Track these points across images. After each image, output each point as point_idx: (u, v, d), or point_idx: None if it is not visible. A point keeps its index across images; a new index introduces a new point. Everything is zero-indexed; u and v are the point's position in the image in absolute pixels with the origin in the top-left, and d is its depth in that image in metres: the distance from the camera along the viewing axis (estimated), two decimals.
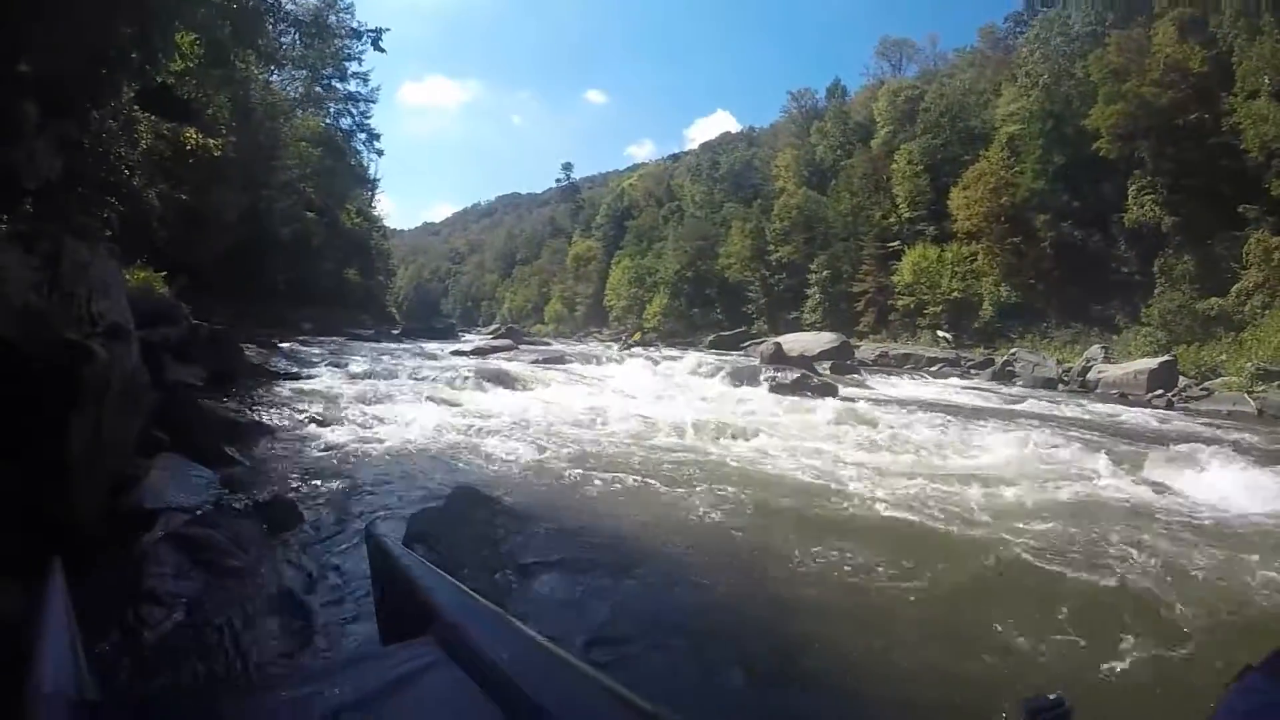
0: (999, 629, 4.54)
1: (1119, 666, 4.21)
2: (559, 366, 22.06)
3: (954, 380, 30.60)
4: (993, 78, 51.48)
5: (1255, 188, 31.12)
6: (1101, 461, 10.09)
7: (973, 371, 34.71)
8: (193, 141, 19.41)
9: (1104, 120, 36.90)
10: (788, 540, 6.14)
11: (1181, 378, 26.19)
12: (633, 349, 22.68)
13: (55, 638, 2.24)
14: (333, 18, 37.17)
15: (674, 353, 35.17)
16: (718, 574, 5.36)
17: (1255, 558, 5.95)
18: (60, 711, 1.91)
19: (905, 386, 25.32)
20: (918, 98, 56.88)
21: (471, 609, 2.60)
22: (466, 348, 28.77)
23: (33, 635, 2.19)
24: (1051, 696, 1.81)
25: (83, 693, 2.03)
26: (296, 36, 25.97)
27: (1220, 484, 8.80)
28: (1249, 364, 25.01)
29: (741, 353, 37.09)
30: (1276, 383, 23.13)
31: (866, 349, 42.10)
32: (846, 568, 5.51)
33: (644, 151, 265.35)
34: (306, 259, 34.19)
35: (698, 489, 7.65)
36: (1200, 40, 34.74)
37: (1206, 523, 7.31)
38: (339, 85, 44.04)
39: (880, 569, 5.56)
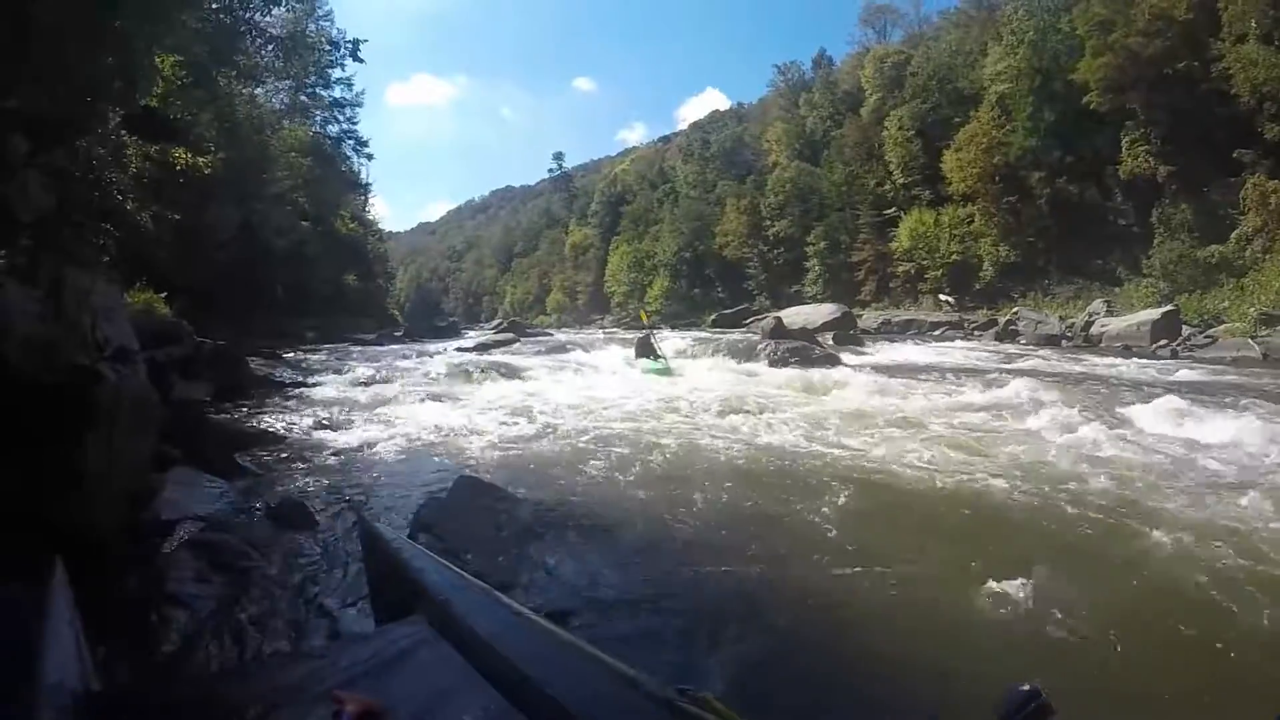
0: (995, 585, 4.54)
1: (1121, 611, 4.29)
2: (560, 356, 22.19)
3: (958, 343, 30.80)
4: (979, 38, 50.94)
5: (1249, 132, 31.07)
6: (1078, 411, 10.38)
7: (976, 333, 34.93)
8: (182, 161, 19.48)
9: (1092, 73, 36.75)
10: (784, 510, 6.28)
11: (1185, 327, 26.19)
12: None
13: (59, 634, 2.29)
14: (312, 26, 37.15)
15: (674, 334, 35.15)
16: (711, 547, 5.42)
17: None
18: (64, 701, 1.98)
19: (908, 352, 25.37)
20: (904, 62, 56.65)
21: (459, 587, 2.68)
22: (469, 344, 28.69)
23: (37, 632, 2.25)
24: (1025, 687, 1.84)
25: (86, 685, 2.12)
26: (275, 51, 25.98)
27: (1218, 431, 8.93)
28: (1252, 309, 25.07)
29: (744, 329, 37.04)
30: None
31: (869, 318, 42.31)
32: (842, 539, 5.54)
33: (635, 135, 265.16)
34: (304, 268, 34.07)
35: (695, 466, 7.81)
36: None
37: (1211, 470, 7.37)
38: (323, 93, 43.83)
39: (877, 533, 5.70)
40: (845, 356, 20.56)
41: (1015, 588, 4.44)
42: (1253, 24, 30.57)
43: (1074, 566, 4.87)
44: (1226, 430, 8.84)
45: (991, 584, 4.50)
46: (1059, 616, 4.18)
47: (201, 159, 20.46)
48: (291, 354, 20.14)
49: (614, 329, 54.33)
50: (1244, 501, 6.14)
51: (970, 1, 57.28)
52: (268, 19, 23.99)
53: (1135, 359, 21.81)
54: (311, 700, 2.08)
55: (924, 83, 52.17)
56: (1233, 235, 30.32)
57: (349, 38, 29.43)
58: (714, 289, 67.95)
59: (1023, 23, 43.49)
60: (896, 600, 4.56)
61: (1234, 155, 31.36)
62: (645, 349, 18.31)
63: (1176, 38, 34.09)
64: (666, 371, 16.79)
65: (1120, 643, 3.97)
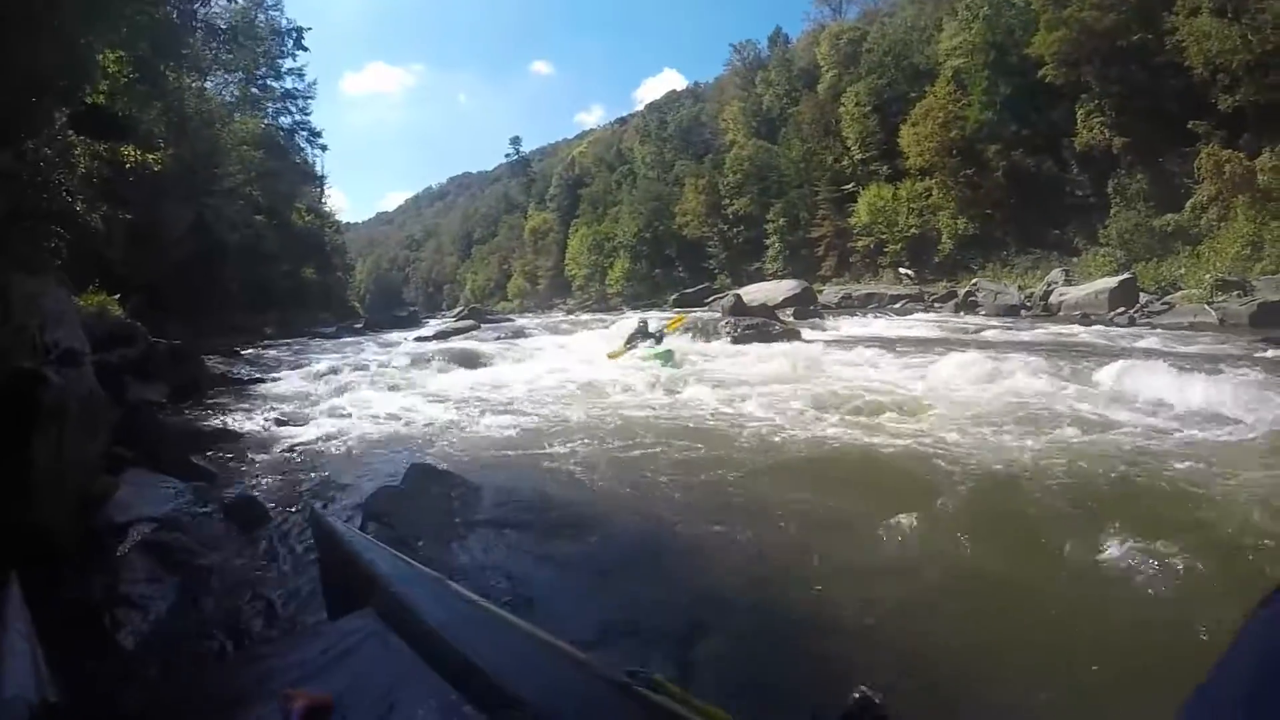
0: (942, 549, 4.66)
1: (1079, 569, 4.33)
2: (519, 340, 22.19)
3: (918, 315, 31.07)
4: (934, 14, 51.46)
5: (1203, 103, 31.57)
6: (1032, 375, 10.76)
7: (936, 305, 35.27)
8: (131, 159, 18.93)
9: (1047, 47, 37.19)
10: (740, 487, 6.26)
11: (1142, 294, 26.69)
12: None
13: (15, 646, 2.32)
14: (261, 17, 36.63)
15: (636, 315, 35.20)
16: (668, 530, 5.39)
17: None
18: (20, 713, 1.99)
19: (869, 325, 25.69)
20: (860, 39, 56.83)
21: (410, 578, 2.73)
22: (429, 333, 28.66)
23: None
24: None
25: (43, 695, 2.12)
26: (222, 43, 25.54)
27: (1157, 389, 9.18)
28: (1208, 275, 25.42)
29: (705, 308, 37.06)
30: (1236, 292, 23.48)
31: (830, 293, 42.40)
32: (802, 509, 5.53)
33: (593, 118, 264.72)
34: (260, 263, 33.39)
35: (652, 448, 7.71)
36: None
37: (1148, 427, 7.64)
38: (274, 84, 43.03)
39: (832, 504, 5.68)
40: (805, 331, 20.82)
41: (973, 555, 4.55)
42: None
43: (1020, 537, 4.91)
44: (1188, 391, 8.89)
45: (947, 551, 4.61)
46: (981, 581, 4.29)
47: (151, 156, 19.86)
48: (249, 350, 19.99)
49: (577, 312, 54.45)
50: (1190, 459, 6.26)
51: None
52: (213, 11, 23.65)
53: (1097, 325, 22.20)
54: (263, 699, 2.11)
55: (880, 59, 52.40)
56: (1188, 204, 30.81)
57: (296, 26, 29.10)
58: (675, 269, 67.86)
59: None
60: (853, 569, 4.53)
61: (1188, 126, 31.81)
62: (640, 335, 16.57)
63: (1130, 11, 34.64)
64: (668, 357, 14.63)
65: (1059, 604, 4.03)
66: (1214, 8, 30.66)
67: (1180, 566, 4.19)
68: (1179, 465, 6.06)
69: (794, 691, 3.44)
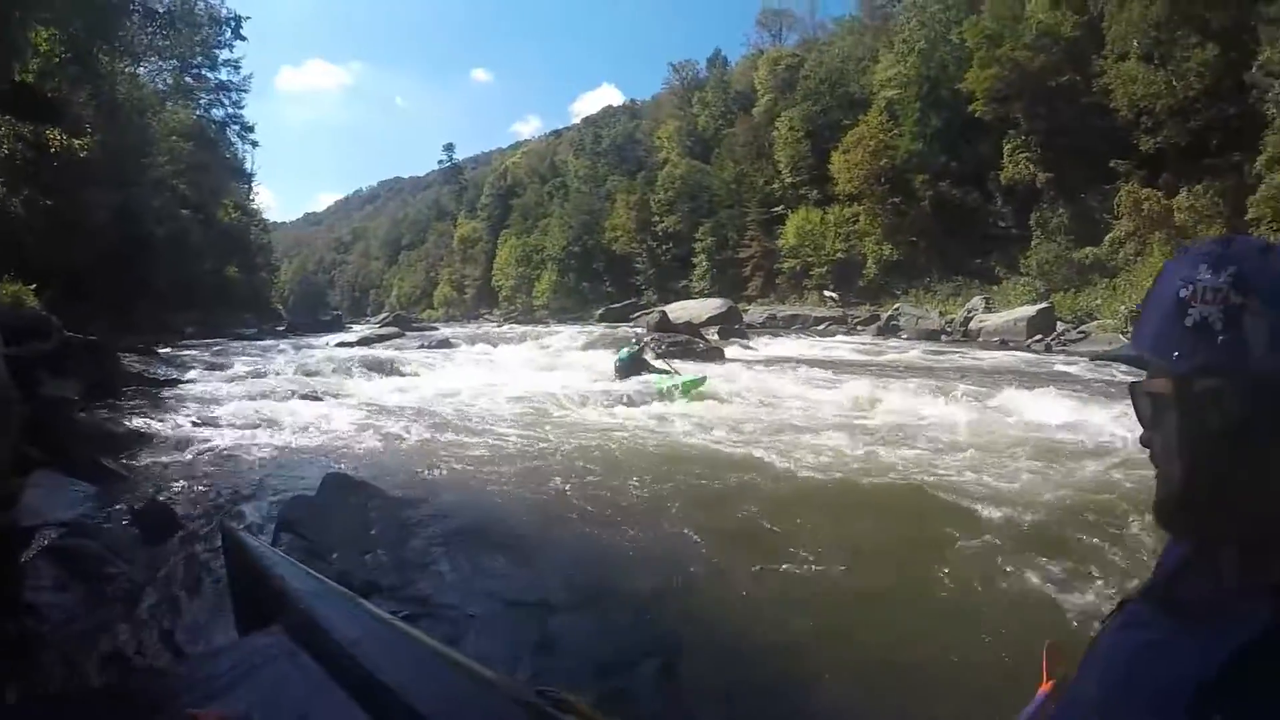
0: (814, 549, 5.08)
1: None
2: (443, 351, 22.26)
3: (840, 337, 31.67)
4: (871, 44, 52.28)
5: (1125, 144, 32.59)
6: (940, 397, 11.75)
7: (859, 328, 35.79)
8: (56, 143, 18.36)
9: (979, 84, 38.03)
10: (642, 500, 6.54)
11: (1060, 323, 27.44)
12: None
13: None
14: (200, 4, 35.76)
15: (562, 328, 35.33)
16: (584, 543, 5.56)
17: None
18: None
19: (791, 346, 26.20)
20: (798, 65, 57.62)
21: (320, 594, 2.72)
22: (352, 339, 28.63)
23: None
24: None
25: None
26: (159, 27, 24.87)
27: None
28: (1123, 307, 25.99)
29: (631, 324, 37.05)
30: None
31: (755, 312, 42.89)
32: (718, 530, 5.74)
33: (530, 128, 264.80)
34: (184, 259, 32.55)
35: (572, 460, 8.03)
36: (1072, 6, 36.16)
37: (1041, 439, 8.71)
38: (209, 75, 41.96)
39: (750, 522, 5.96)
40: (730, 350, 21.31)
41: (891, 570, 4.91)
42: (1134, 44, 32.11)
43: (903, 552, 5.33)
44: (1086, 413, 9.84)
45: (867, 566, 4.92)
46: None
47: (78, 141, 19.24)
48: (168, 350, 19.47)
49: (503, 323, 54.56)
50: (1086, 473, 7.10)
51: (865, 9, 58.61)
52: None
53: (1014, 351, 22.72)
54: (170, 715, 2.17)
55: (816, 86, 53.01)
56: (1106, 238, 31.65)
57: (234, 15, 28.49)
58: (602, 283, 67.76)
59: (915, 32, 44.69)
60: (764, 586, 4.73)
61: (1110, 164, 32.82)
62: (637, 364, 14.27)
63: (1061, 53, 35.79)
64: (695, 386, 12.68)
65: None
66: (1142, 54, 31.74)
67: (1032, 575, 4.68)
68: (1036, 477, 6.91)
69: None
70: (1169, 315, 0.85)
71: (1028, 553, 4.97)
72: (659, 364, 14.42)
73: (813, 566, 4.86)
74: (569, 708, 2.03)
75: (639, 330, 21.98)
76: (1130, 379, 0.94)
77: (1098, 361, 21.38)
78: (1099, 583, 4.52)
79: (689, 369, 14.68)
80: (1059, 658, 1.53)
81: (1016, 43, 36.65)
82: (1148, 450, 0.93)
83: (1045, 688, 1.45)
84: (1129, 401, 0.95)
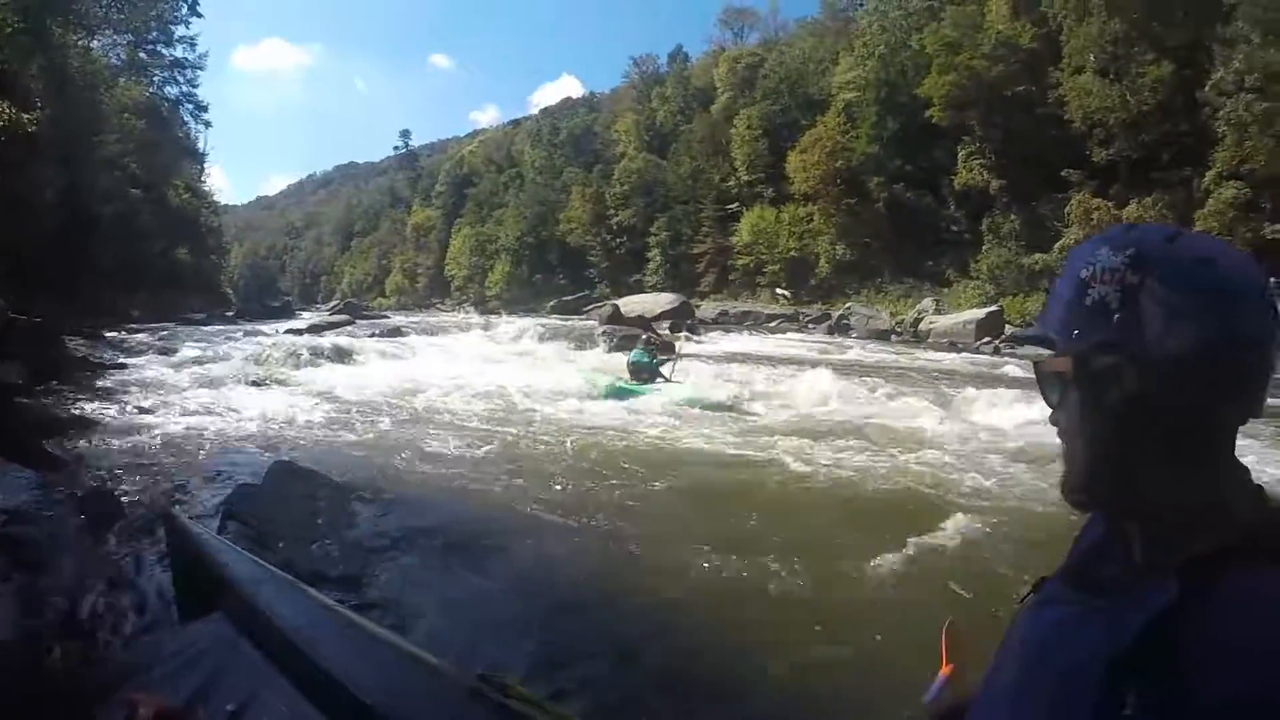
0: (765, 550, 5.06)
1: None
2: (394, 339, 22.12)
3: (791, 335, 31.83)
4: (832, 47, 52.58)
5: (1078, 154, 33.21)
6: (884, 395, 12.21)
7: (810, 326, 36.00)
8: (4, 116, 18.00)
9: (936, 90, 38.40)
10: (595, 494, 6.63)
11: (1008, 326, 27.52)
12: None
13: None
14: None
15: (512, 319, 35.21)
16: (527, 528, 5.62)
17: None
18: None
19: (742, 341, 26.45)
20: (758, 64, 57.92)
21: (263, 581, 2.70)
22: (302, 325, 28.28)
23: None
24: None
25: None
26: (113, 0, 24.32)
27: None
28: None
29: (583, 316, 37.05)
30: None
31: (707, 308, 42.82)
32: (661, 522, 5.89)
33: (488, 117, 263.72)
34: (132, 240, 31.92)
35: (518, 453, 8.20)
36: (1031, 18, 36.76)
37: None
38: (164, 51, 41.12)
39: (697, 514, 6.17)
40: (680, 345, 21.06)
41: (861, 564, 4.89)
42: (1091, 58, 32.70)
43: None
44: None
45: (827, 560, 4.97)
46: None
47: (26, 115, 18.82)
48: (114, 333, 19.15)
49: (456, 311, 54.32)
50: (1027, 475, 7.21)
51: (827, 12, 59.02)
52: None
53: (962, 353, 22.99)
54: (110, 703, 2.11)
55: (775, 85, 53.42)
56: (1056, 245, 31.96)
57: None
58: (556, 275, 67.70)
59: (875, 37, 45.09)
60: (709, 575, 4.81)
61: (1062, 174, 33.34)
62: (650, 371, 12.99)
63: (1019, 64, 36.34)
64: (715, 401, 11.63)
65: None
66: (1098, 68, 32.33)
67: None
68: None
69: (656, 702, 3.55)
70: (1071, 295, 0.87)
71: (982, 545, 5.19)
72: (665, 370, 13.17)
73: (768, 562, 4.87)
74: (514, 693, 2.06)
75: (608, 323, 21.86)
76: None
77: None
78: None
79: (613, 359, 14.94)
80: (958, 640, 1.53)
81: (975, 52, 37.06)
82: (1056, 429, 0.93)
83: (945, 671, 1.45)
84: None
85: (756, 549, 5.09)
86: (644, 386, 12.35)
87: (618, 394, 12.01)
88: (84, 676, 2.70)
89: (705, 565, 4.89)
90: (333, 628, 2.42)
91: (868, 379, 14.11)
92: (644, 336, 14.48)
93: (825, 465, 7.57)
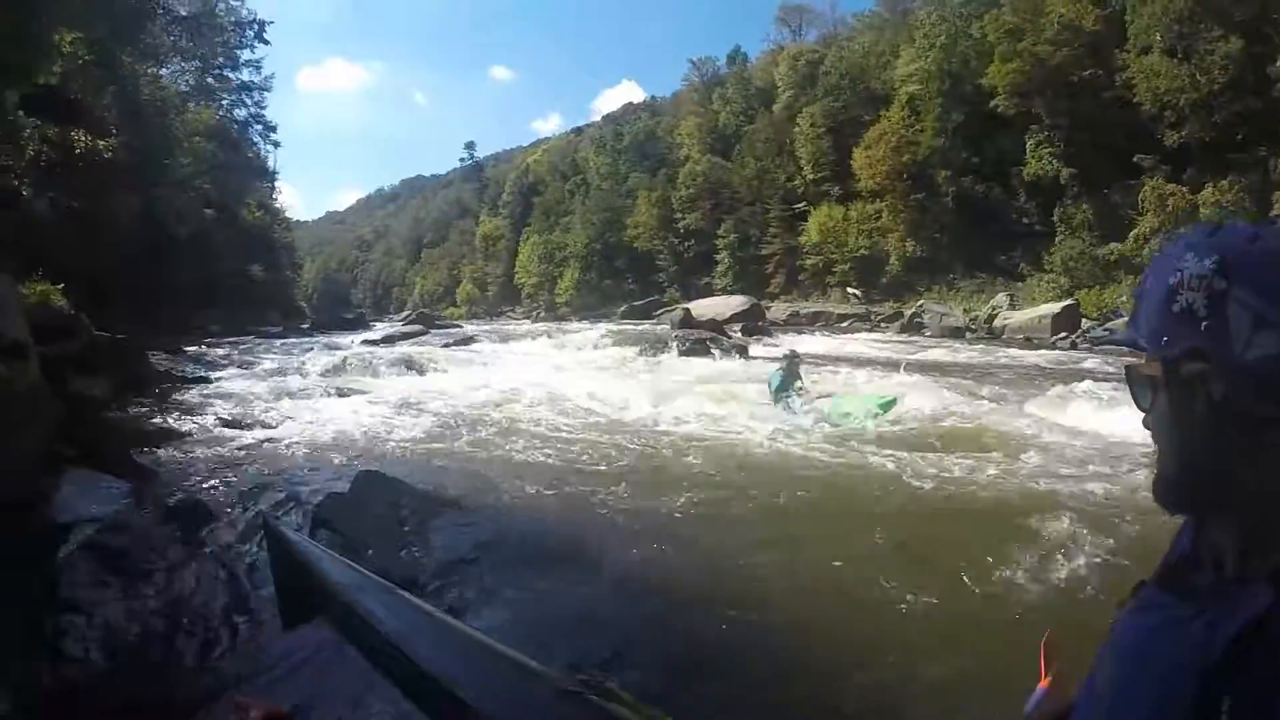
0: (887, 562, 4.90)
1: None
2: (468, 348, 22.30)
3: (864, 335, 31.59)
4: (891, 40, 51.80)
5: (1149, 138, 32.39)
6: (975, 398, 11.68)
7: (882, 325, 35.71)
8: (81, 144, 18.60)
9: (1000, 78, 37.86)
10: (662, 491, 6.59)
11: (1084, 320, 27.10)
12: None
13: None
14: (221, 6, 36.03)
15: (584, 325, 35.32)
16: (621, 536, 5.52)
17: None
18: None
19: (815, 343, 26.04)
20: (818, 61, 57.16)
21: (363, 587, 2.72)
22: (376, 336, 28.59)
23: None
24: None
25: None
26: (182, 31, 25.13)
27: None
28: None
29: (654, 321, 37.15)
30: None
31: (778, 310, 42.77)
32: (750, 533, 5.67)
33: (550, 126, 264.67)
34: (208, 258, 32.62)
35: (592, 456, 8.06)
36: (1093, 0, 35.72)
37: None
38: (231, 75, 42.27)
39: (789, 524, 5.94)
40: (754, 348, 21.17)
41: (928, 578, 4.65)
42: (1157, 37, 31.84)
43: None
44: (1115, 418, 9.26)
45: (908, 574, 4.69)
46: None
47: (102, 142, 19.53)
48: (194, 348, 19.64)
49: (526, 320, 54.44)
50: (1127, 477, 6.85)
51: (885, 4, 58.26)
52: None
53: (1038, 349, 22.63)
54: (218, 707, 2.23)
55: (837, 81, 52.67)
56: (1131, 234, 31.48)
57: (257, 19, 28.79)
58: (624, 281, 67.84)
59: (935, 27, 44.42)
60: (809, 586, 4.68)
61: (1134, 159, 32.54)
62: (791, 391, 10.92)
63: (1083, 47, 35.51)
64: (889, 407, 10.12)
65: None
66: (1165, 48, 31.50)
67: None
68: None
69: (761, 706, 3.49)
70: (1160, 301, 0.88)
71: (1083, 551, 5.00)
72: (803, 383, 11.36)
73: (870, 572, 4.73)
74: (613, 696, 2.05)
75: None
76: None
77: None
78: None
79: (693, 364, 14.80)
80: (1056, 651, 1.50)
81: (1038, 37, 36.37)
82: (1150, 431, 0.94)
83: (1044, 684, 1.43)
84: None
85: (859, 559, 4.99)
86: (796, 409, 10.38)
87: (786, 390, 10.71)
88: (191, 680, 2.72)
89: (805, 575, 4.82)
90: (433, 632, 2.44)
91: (953, 379, 13.88)
92: (788, 353, 11.67)
93: (926, 472, 7.28)
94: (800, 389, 11.03)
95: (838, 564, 4.93)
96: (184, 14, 27.11)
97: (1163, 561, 0.97)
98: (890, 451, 8.13)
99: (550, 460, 7.92)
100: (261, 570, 4.51)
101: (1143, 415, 0.93)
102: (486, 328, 37.24)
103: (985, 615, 4.25)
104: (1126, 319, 0.99)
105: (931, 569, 4.86)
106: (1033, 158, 37.46)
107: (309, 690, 2.21)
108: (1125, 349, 0.97)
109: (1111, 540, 5.20)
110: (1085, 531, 5.35)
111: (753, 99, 64.41)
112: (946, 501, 6.44)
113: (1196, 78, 30.28)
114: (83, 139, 18.64)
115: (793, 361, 11.34)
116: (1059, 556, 4.95)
